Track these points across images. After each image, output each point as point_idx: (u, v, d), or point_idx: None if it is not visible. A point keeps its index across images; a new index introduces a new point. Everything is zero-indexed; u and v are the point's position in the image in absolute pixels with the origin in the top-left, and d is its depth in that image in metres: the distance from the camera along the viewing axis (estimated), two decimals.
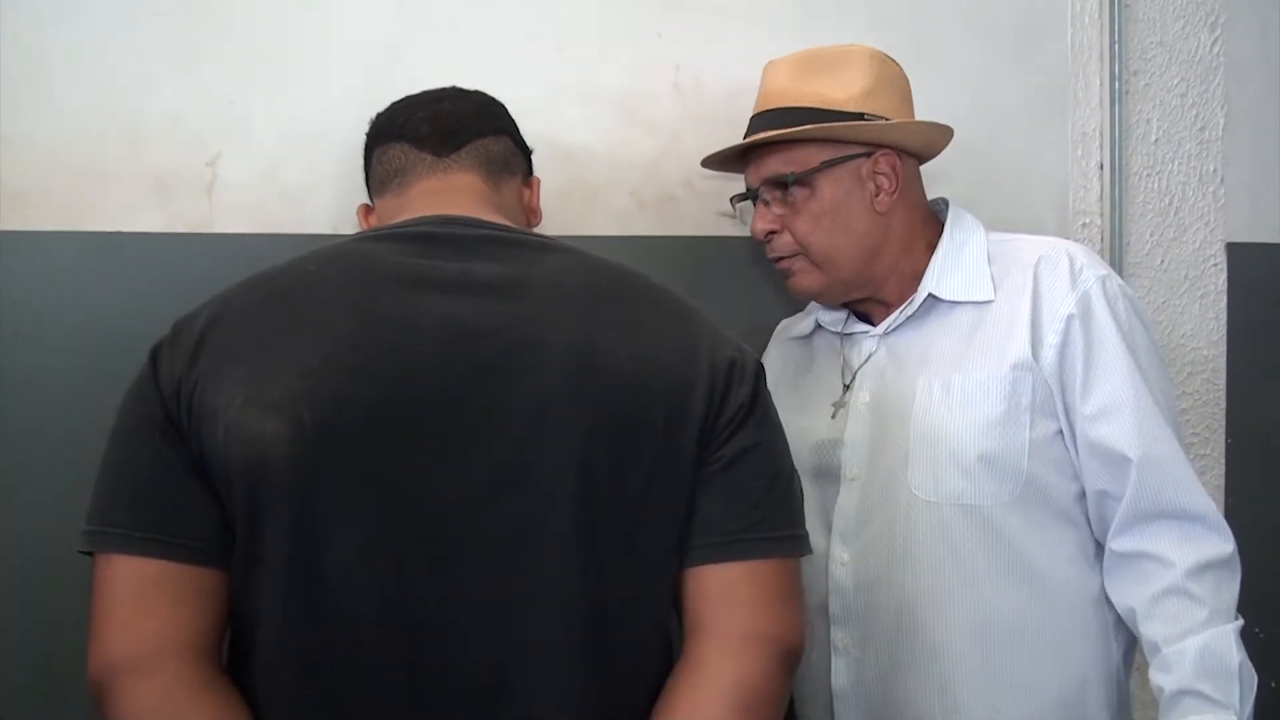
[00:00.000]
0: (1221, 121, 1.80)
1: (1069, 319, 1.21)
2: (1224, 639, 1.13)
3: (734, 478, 0.95)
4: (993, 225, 1.35)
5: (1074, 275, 1.23)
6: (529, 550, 0.89)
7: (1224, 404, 1.81)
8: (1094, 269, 1.24)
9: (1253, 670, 1.14)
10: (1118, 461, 1.18)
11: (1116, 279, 1.25)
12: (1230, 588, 1.17)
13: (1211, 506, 1.18)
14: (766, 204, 1.31)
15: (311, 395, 0.87)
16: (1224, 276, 1.81)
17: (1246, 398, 1.82)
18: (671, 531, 0.94)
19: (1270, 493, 1.82)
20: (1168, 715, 1.14)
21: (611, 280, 0.99)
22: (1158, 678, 1.15)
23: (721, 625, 0.93)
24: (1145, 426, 1.17)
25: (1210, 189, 1.81)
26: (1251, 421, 1.82)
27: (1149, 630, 1.16)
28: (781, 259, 1.33)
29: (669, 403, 0.93)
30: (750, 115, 1.34)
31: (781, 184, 1.29)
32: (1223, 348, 1.81)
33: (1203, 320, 1.81)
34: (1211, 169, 1.81)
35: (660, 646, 0.97)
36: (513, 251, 0.97)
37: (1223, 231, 1.81)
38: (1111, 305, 1.21)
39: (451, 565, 0.88)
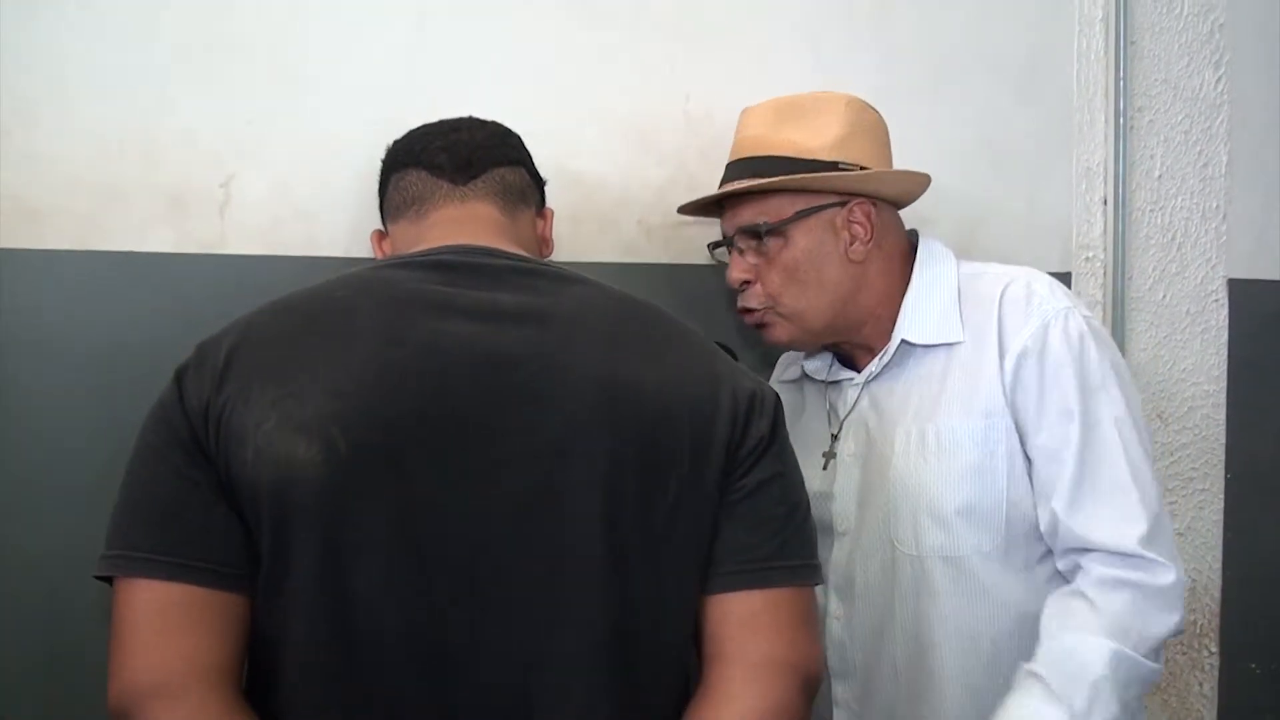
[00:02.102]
0: (1225, 158, 1.82)
1: (1021, 357, 1.19)
2: (1100, 651, 1.09)
3: (756, 507, 0.96)
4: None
5: (1030, 311, 1.20)
6: (556, 574, 0.90)
7: (1224, 439, 1.82)
8: (1054, 302, 1.21)
9: (1118, 690, 1.08)
10: (1047, 510, 1.18)
11: (1080, 312, 1.21)
12: (1141, 616, 1.11)
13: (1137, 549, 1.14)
14: (741, 252, 1.30)
15: (343, 417, 0.87)
16: (1225, 312, 1.83)
17: (1247, 433, 1.83)
18: (696, 557, 0.95)
19: (1270, 528, 1.82)
20: (1011, 692, 1.12)
21: (632, 312, 1.00)
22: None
23: (743, 652, 0.94)
24: (1081, 474, 1.15)
25: (1213, 225, 1.83)
26: (1252, 456, 1.83)
27: (1043, 622, 1.14)
28: (752, 311, 1.30)
29: (694, 430, 0.94)
30: (726, 163, 1.33)
31: (755, 233, 1.26)
32: (1223, 383, 1.83)
33: (1204, 355, 1.82)
34: (1214, 205, 1.82)
35: (680, 671, 0.98)
36: (535, 282, 0.98)
37: (1225, 267, 1.83)
38: (1069, 342, 1.18)
39: (478, 588, 0.89)
